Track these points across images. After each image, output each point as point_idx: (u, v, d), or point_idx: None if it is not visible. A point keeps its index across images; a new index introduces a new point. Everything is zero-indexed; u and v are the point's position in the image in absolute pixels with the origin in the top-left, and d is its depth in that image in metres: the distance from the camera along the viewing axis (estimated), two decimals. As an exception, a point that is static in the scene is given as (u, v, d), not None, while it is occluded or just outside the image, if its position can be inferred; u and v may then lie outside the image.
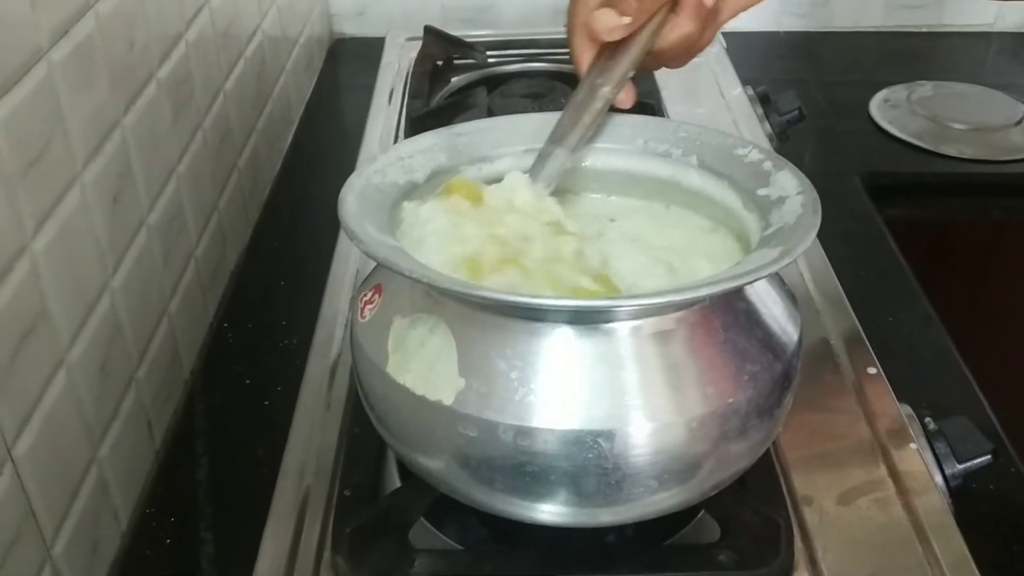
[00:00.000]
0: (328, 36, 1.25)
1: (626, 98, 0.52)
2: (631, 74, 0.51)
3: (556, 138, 0.50)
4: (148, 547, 0.61)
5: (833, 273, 0.67)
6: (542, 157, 0.50)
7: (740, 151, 0.48)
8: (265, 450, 0.66)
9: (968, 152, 0.97)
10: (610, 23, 0.49)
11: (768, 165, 0.47)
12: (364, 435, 0.54)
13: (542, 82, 0.85)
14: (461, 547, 0.49)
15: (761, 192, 0.46)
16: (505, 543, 0.50)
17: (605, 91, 0.50)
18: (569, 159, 0.50)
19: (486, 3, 1.22)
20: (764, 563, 0.46)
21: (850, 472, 0.53)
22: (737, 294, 0.43)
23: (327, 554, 0.48)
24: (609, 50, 0.51)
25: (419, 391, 0.41)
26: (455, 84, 0.90)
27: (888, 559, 0.49)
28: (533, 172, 0.50)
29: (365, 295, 0.46)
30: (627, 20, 0.49)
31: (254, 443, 0.67)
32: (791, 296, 0.47)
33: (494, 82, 0.88)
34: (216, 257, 0.80)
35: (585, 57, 0.51)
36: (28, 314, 0.50)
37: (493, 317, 0.41)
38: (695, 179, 0.50)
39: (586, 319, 0.40)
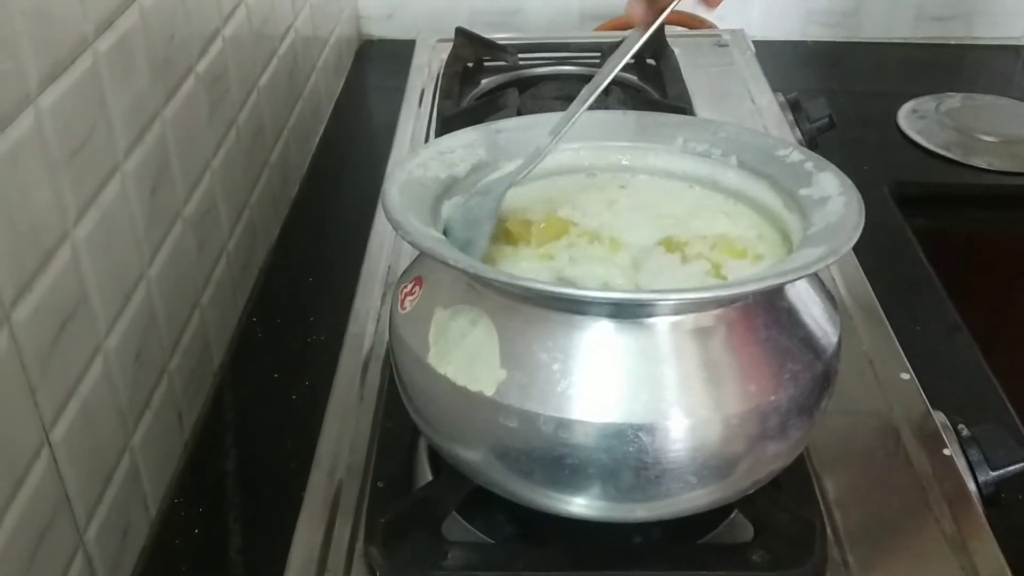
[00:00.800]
0: (357, 38, 1.26)
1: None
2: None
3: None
4: (177, 536, 0.61)
5: (866, 280, 0.67)
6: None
7: (781, 152, 0.48)
8: (292, 443, 0.66)
9: (996, 164, 0.97)
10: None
11: (810, 166, 0.47)
12: (397, 428, 0.54)
13: (573, 85, 0.85)
14: (492, 541, 0.49)
15: (803, 192, 0.46)
16: (536, 540, 0.50)
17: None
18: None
19: (514, 7, 1.22)
20: (798, 563, 0.46)
21: (883, 476, 0.52)
22: (779, 293, 0.43)
23: (360, 545, 0.48)
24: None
25: (460, 382, 0.41)
26: (485, 86, 0.91)
27: (921, 564, 0.48)
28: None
29: (405, 287, 0.47)
30: None
31: (282, 436, 0.67)
32: (831, 297, 0.47)
33: (524, 84, 0.89)
34: (246, 252, 0.81)
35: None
36: (69, 300, 0.51)
37: (535, 309, 0.41)
38: (734, 179, 0.50)
39: (628, 312, 0.40)
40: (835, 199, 0.44)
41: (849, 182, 0.45)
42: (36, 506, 0.48)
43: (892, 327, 0.63)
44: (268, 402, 0.71)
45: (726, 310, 0.40)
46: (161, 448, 0.63)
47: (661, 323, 0.40)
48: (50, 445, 0.49)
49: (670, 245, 0.46)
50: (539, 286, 0.38)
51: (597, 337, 0.40)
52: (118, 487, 0.57)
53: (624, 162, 0.54)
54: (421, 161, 0.49)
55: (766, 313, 0.41)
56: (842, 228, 0.41)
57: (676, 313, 0.40)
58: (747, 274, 0.41)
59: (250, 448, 0.68)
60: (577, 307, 0.40)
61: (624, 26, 1.11)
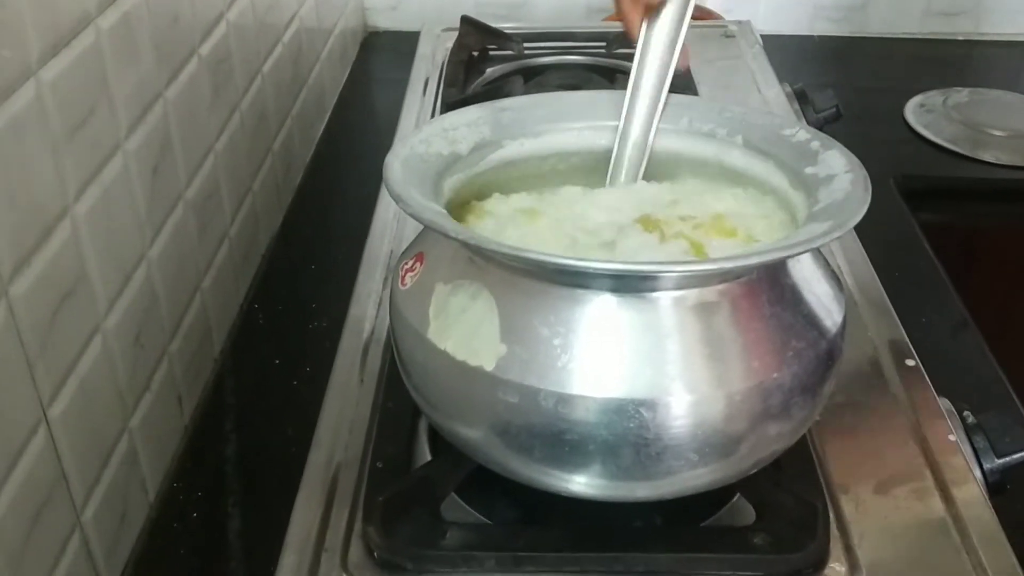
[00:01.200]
0: (362, 29, 1.26)
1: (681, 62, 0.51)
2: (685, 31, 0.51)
3: (641, 124, 0.51)
4: (175, 519, 0.61)
5: (871, 267, 0.66)
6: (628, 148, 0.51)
7: (787, 131, 0.48)
8: (293, 429, 0.66)
9: (1003, 158, 0.96)
10: None
11: (816, 144, 0.46)
12: (397, 409, 0.54)
13: (578, 74, 0.85)
14: (490, 522, 0.49)
15: (809, 171, 0.45)
16: (535, 522, 0.49)
17: (669, 60, 0.50)
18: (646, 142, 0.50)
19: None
20: (800, 547, 0.45)
21: (887, 462, 0.52)
22: (783, 270, 0.42)
23: (358, 524, 0.48)
24: (655, 10, 0.50)
25: (460, 356, 0.41)
26: (490, 74, 0.90)
27: (924, 549, 0.48)
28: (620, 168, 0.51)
29: (406, 263, 0.46)
30: None
31: (282, 422, 0.67)
32: (835, 278, 0.46)
33: (529, 73, 0.88)
34: (249, 238, 0.80)
35: (636, 22, 0.50)
36: (68, 276, 0.51)
37: (536, 283, 0.40)
38: (739, 158, 0.49)
39: (630, 287, 0.39)
40: (841, 176, 0.43)
41: (855, 160, 0.45)
42: (33, 483, 0.47)
43: (899, 319, 0.63)
44: (268, 388, 0.71)
45: (729, 285, 0.40)
46: (160, 431, 0.63)
47: (663, 298, 0.39)
48: (47, 422, 0.49)
49: (647, 223, 0.45)
50: (541, 257, 0.37)
51: (598, 311, 0.40)
52: (116, 468, 0.56)
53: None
54: (424, 137, 0.49)
55: (770, 289, 0.41)
56: (848, 204, 0.41)
57: (678, 288, 0.39)
58: (752, 247, 0.40)
59: (250, 433, 0.67)
60: (579, 280, 0.40)
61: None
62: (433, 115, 0.86)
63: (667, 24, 0.50)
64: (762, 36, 1.03)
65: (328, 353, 0.60)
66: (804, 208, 0.44)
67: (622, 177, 0.51)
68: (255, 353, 0.74)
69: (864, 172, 0.43)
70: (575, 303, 0.40)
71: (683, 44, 0.51)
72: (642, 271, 0.39)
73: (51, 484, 0.50)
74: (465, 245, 0.38)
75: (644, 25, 0.50)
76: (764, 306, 0.40)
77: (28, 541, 0.47)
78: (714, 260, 0.39)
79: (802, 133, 0.47)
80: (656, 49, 0.50)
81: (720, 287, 0.40)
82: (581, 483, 0.42)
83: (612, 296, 0.40)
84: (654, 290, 0.39)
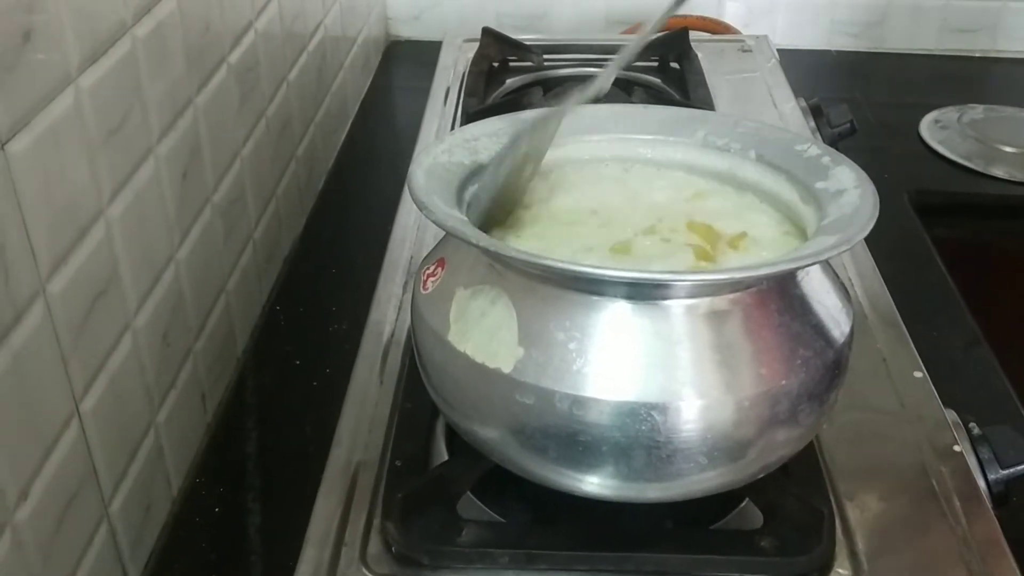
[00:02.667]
0: (384, 38, 1.28)
1: None
2: None
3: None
4: (197, 514, 0.63)
5: (881, 280, 0.68)
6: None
7: (799, 147, 0.49)
8: (312, 428, 0.67)
9: (1018, 175, 0.97)
10: None
11: (827, 160, 0.48)
12: (415, 409, 0.55)
13: (597, 86, 0.86)
14: (504, 521, 0.50)
15: (819, 185, 0.46)
16: (548, 521, 0.51)
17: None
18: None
19: (540, 11, 1.24)
20: (806, 551, 0.46)
21: (893, 471, 0.53)
22: (793, 280, 0.44)
23: (377, 520, 0.49)
24: None
25: (479, 359, 0.42)
26: (510, 85, 0.92)
27: (927, 557, 0.49)
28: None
29: (428, 268, 0.48)
30: None
31: (302, 421, 0.68)
32: (844, 289, 0.48)
33: (549, 85, 0.90)
34: (272, 241, 0.82)
35: None
36: (101, 276, 0.53)
37: (554, 289, 0.42)
38: (752, 172, 0.51)
39: (644, 294, 0.41)
40: (850, 192, 0.45)
41: (864, 175, 0.46)
42: (64, 474, 0.49)
43: (910, 333, 0.64)
44: (289, 388, 0.73)
45: (740, 295, 0.41)
46: (185, 427, 0.65)
47: (676, 306, 0.41)
48: (79, 416, 0.51)
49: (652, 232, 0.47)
50: (559, 264, 0.39)
51: (613, 317, 0.41)
52: (143, 463, 0.58)
53: (648, 155, 0.54)
54: (447, 147, 0.50)
55: (780, 299, 0.42)
56: (856, 218, 0.42)
57: (690, 296, 0.41)
58: (762, 259, 0.42)
59: (270, 431, 0.69)
60: (595, 287, 0.41)
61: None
62: (453, 125, 0.88)
63: None
64: (780, 50, 1.05)
65: (347, 355, 0.62)
66: (814, 222, 0.45)
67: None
68: (277, 353, 0.76)
69: (873, 187, 0.44)
70: (590, 309, 0.41)
71: None
72: (655, 279, 0.40)
73: (81, 476, 0.51)
74: (485, 252, 0.40)
75: None
76: (773, 315, 0.42)
77: (58, 531, 0.49)
78: (724, 271, 0.40)
79: (813, 149, 0.49)
80: None
81: (730, 296, 0.41)
82: (594, 483, 0.43)
83: (626, 303, 0.41)
84: (667, 298, 0.41)
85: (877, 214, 0.42)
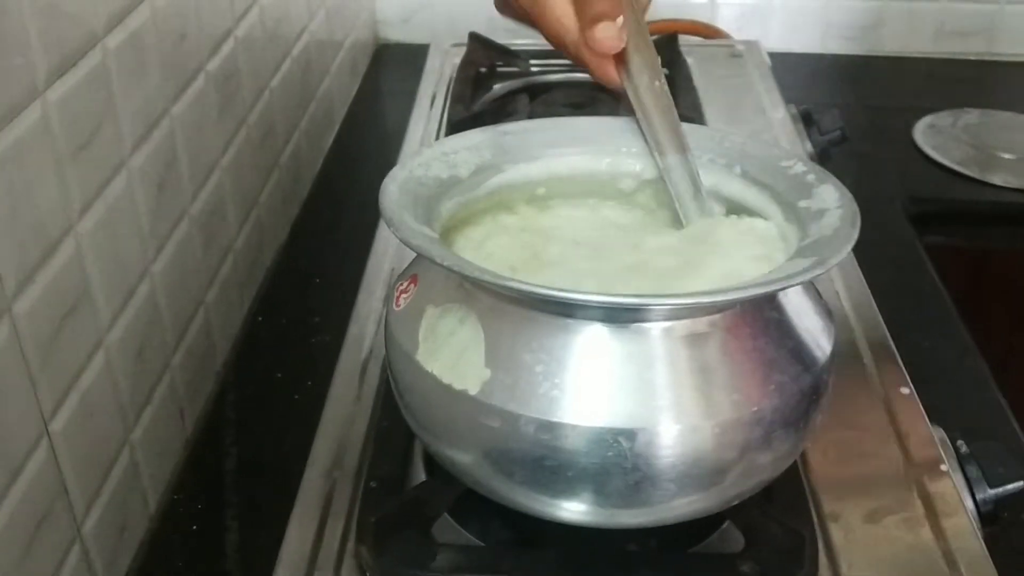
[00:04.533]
0: (373, 41, 1.27)
1: None
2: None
3: (674, 149, 0.50)
4: (174, 532, 0.62)
5: (869, 293, 0.67)
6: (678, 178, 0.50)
7: (784, 163, 0.48)
8: (293, 443, 0.66)
9: (1013, 181, 0.96)
10: (611, 34, 0.46)
11: (811, 178, 0.46)
12: (392, 428, 0.54)
13: (584, 92, 0.85)
14: (483, 544, 0.49)
15: (802, 204, 0.45)
16: (528, 544, 0.50)
17: (659, 86, 0.49)
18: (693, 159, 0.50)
19: (532, 15, 1.22)
20: (787, 575, 0.45)
21: (879, 491, 0.52)
22: (770, 303, 0.43)
23: (351, 544, 0.49)
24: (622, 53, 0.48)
25: (446, 379, 0.41)
26: (497, 91, 0.91)
27: (914, 580, 0.48)
28: (688, 201, 0.50)
29: (401, 284, 0.47)
30: (620, 20, 0.46)
31: (283, 436, 0.67)
32: (827, 310, 0.47)
33: (536, 90, 0.89)
34: (254, 251, 0.81)
35: (611, 72, 0.48)
36: (71, 293, 0.52)
37: (522, 310, 0.41)
38: (737, 188, 0.50)
39: (612, 317, 0.40)
40: (832, 212, 0.43)
41: (848, 195, 0.45)
42: (33, 496, 0.48)
43: (901, 343, 0.63)
44: (271, 401, 0.72)
45: (711, 318, 0.40)
46: (162, 444, 0.64)
47: (641, 329, 0.40)
48: (49, 436, 0.50)
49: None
50: (522, 286, 0.38)
51: (579, 340, 0.40)
52: (117, 481, 0.57)
53: (635, 168, 0.53)
54: (423, 160, 0.49)
55: (754, 323, 0.41)
56: (835, 240, 0.41)
57: (657, 320, 0.40)
58: (732, 283, 0.41)
59: (251, 446, 0.68)
60: (559, 309, 0.40)
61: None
62: (439, 131, 0.87)
63: (636, 54, 0.49)
64: (774, 54, 1.03)
65: (329, 367, 0.61)
66: (795, 242, 0.44)
67: (690, 211, 0.50)
68: (258, 366, 0.75)
69: (855, 208, 0.43)
70: (558, 331, 0.40)
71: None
72: (622, 303, 0.39)
73: (51, 497, 0.50)
74: (449, 271, 0.39)
75: (622, 71, 0.49)
76: (747, 339, 0.41)
77: (28, 553, 0.48)
78: (691, 295, 0.39)
79: (799, 166, 0.48)
80: (640, 78, 0.49)
81: (703, 319, 0.40)
82: (563, 508, 0.42)
83: (594, 325, 0.40)
84: (635, 320, 0.40)
85: (856, 236, 0.41)
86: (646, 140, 0.51)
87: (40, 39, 0.48)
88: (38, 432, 0.49)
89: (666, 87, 0.50)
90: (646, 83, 0.49)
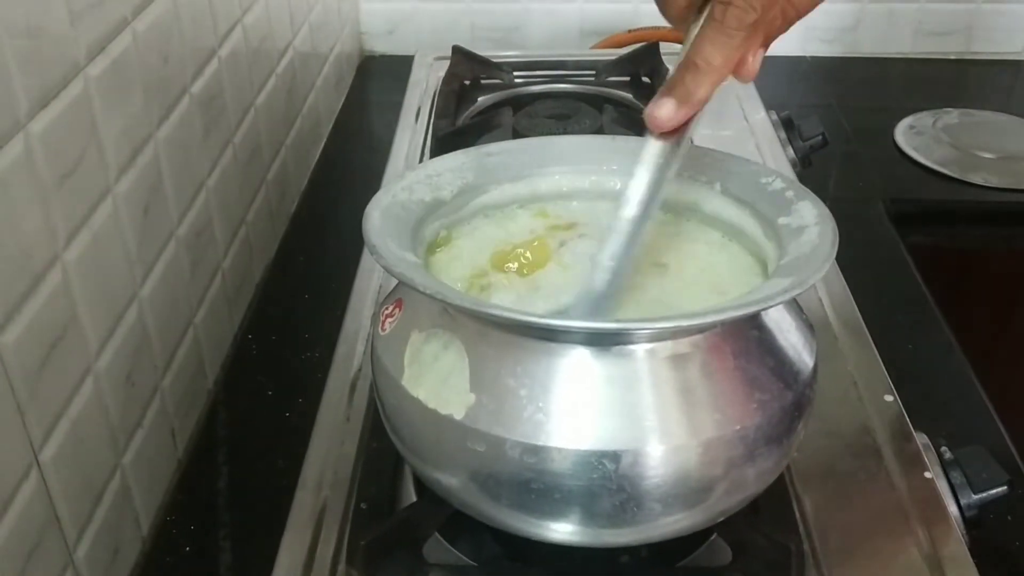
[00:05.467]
0: (358, 54, 1.27)
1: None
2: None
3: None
4: (168, 554, 0.62)
5: (852, 300, 0.67)
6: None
7: (764, 179, 0.49)
8: (285, 461, 0.67)
9: (994, 180, 0.97)
10: (666, 114, 0.45)
11: (790, 194, 0.47)
12: (382, 449, 0.55)
13: (567, 103, 0.86)
14: (475, 564, 0.50)
15: (782, 221, 0.46)
16: (518, 561, 0.50)
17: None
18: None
19: (514, 24, 1.23)
20: (774, 588, 0.46)
21: (864, 500, 0.53)
22: (750, 322, 0.43)
23: (342, 566, 0.49)
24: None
25: (431, 404, 0.42)
26: (481, 104, 0.91)
27: (900, 588, 0.49)
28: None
29: (386, 308, 0.47)
30: (683, 109, 0.45)
31: (275, 454, 0.68)
32: (808, 325, 0.47)
33: (520, 102, 0.89)
34: (242, 270, 0.81)
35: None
36: (58, 323, 0.52)
37: (505, 335, 0.41)
38: (717, 205, 0.50)
39: (595, 341, 0.40)
40: (811, 229, 0.44)
41: (826, 212, 0.45)
42: (24, 526, 0.49)
43: (885, 345, 0.63)
44: (262, 419, 0.72)
45: (693, 339, 0.41)
46: (153, 466, 0.64)
47: (624, 351, 0.40)
48: (39, 466, 0.50)
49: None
50: (503, 313, 0.38)
51: (563, 363, 0.41)
52: (109, 505, 0.58)
53: (617, 186, 0.54)
54: (407, 184, 0.50)
55: (735, 342, 0.42)
56: (813, 259, 0.41)
57: (638, 342, 0.40)
58: (709, 305, 0.41)
59: (243, 465, 0.68)
60: (541, 334, 0.41)
61: (620, 43, 1.12)
62: (425, 144, 0.87)
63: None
64: (754, 59, 1.04)
65: (320, 384, 0.61)
66: (775, 260, 0.44)
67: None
68: (249, 384, 0.75)
69: (833, 225, 0.44)
70: (541, 355, 0.41)
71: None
72: (602, 329, 0.40)
73: (43, 526, 0.51)
74: (432, 297, 0.40)
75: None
76: (729, 358, 0.41)
77: (20, 583, 0.48)
78: (665, 318, 0.40)
79: (778, 182, 0.48)
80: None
81: (684, 340, 0.41)
82: (551, 529, 0.43)
83: (577, 348, 0.41)
84: (616, 343, 0.40)
85: (834, 254, 0.42)
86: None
87: (21, 71, 0.48)
88: (27, 463, 0.49)
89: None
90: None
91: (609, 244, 0.44)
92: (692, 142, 0.48)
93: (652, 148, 0.46)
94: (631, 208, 0.44)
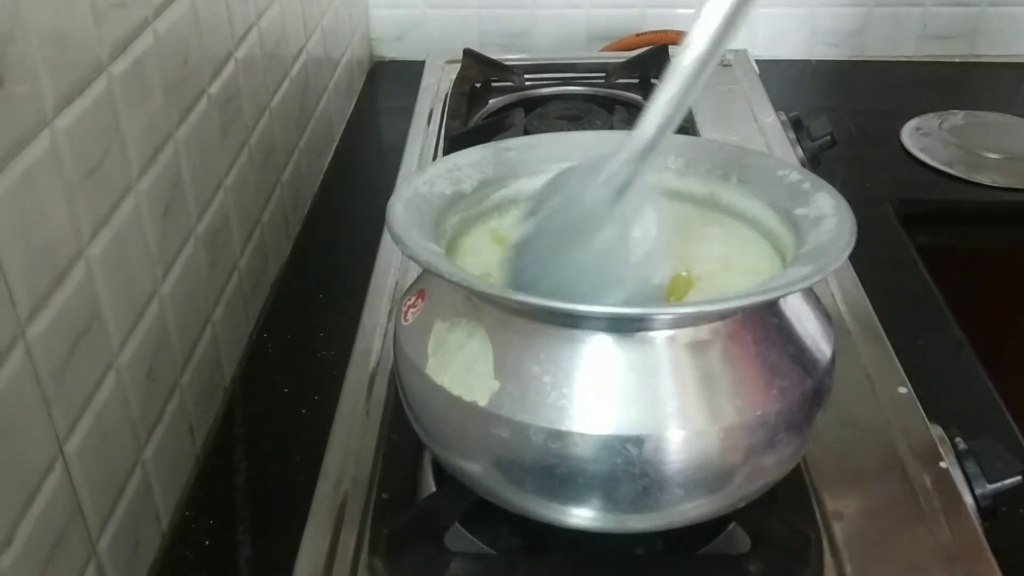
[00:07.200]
0: (368, 59, 1.28)
1: None
2: None
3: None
4: (187, 548, 0.62)
5: (864, 295, 0.68)
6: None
7: (781, 172, 0.49)
8: (302, 457, 0.67)
9: (1000, 180, 0.98)
10: None
11: (807, 186, 0.48)
12: (402, 441, 0.55)
13: (578, 104, 0.87)
14: (494, 552, 0.50)
15: (799, 212, 0.47)
16: (538, 551, 0.51)
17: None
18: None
19: (522, 29, 1.24)
20: (794, 575, 0.46)
21: (880, 489, 0.53)
22: (770, 309, 0.44)
23: (364, 555, 0.49)
24: None
25: (456, 392, 0.42)
26: (492, 106, 0.92)
27: (916, 575, 0.49)
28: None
29: (409, 299, 0.48)
30: None
31: (291, 450, 0.68)
32: (826, 315, 0.48)
33: (531, 104, 0.90)
34: (258, 269, 0.82)
35: None
36: (83, 317, 0.52)
37: (529, 322, 0.42)
38: (734, 197, 0.51)
39: (618, 327, 0.41)
40: (829, 219, 0.45)
41: (844, 202, 0.46)
42: (50, 517, 0.49)
43: (894, 343, 0.64)
44: (278, 416, 0.73)
45: (714, 326, 0.41)
46: (173, 461, 0.65)
47: (645, 338, 0.41)
48: (64, 458, 0.51)
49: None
50: (527, 299, 0.39)
51: (586, 349, 0.41)
52: (130, 499, 0.58)
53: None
54: (428, 178, 0.51)
55: (756, 329, 0.42)
56: (832, 247, 0.42)
57: (661, 328, 0.41)
58: (733, 291, 0.42)
59: (260, 461, 0.69)
60: (565, 320, 0.41)
61: (630, 47, 1.13)
62: (437, 147, 0.88)
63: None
64: (761, 62, 1.05)
65: (336, 381, 0.62)
66: (793, 249, 0.45)
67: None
68: (265, 382, 0.76)
69: (851, 215, 0.44)
70: (565, 341, 0.41)
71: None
72: (626, 314, 0.40)
73: (67, 517, 0.51)
74: (458, 286, 0.40)
75: None
76: (749, 345, 0.42)
77: (45, 572, 0.49)
78: (688, 304, 0.41)
79: (794, 174, 0.49)
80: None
81: (706, 327, 0.41)
82: (573, 515, 0.43)
83: (600, 335, 0.41)
84: (637, 330, 0.41)
85: (853, 242, 0.42)
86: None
87: (47, 69, 0.49)
88: (53, 454, 0.50)
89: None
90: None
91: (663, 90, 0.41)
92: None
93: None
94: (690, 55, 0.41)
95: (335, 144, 1.09)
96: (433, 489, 0.53)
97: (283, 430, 0.71)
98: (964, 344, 0.77)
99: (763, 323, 0.43)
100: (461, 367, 0.43)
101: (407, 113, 0.95)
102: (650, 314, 0.41)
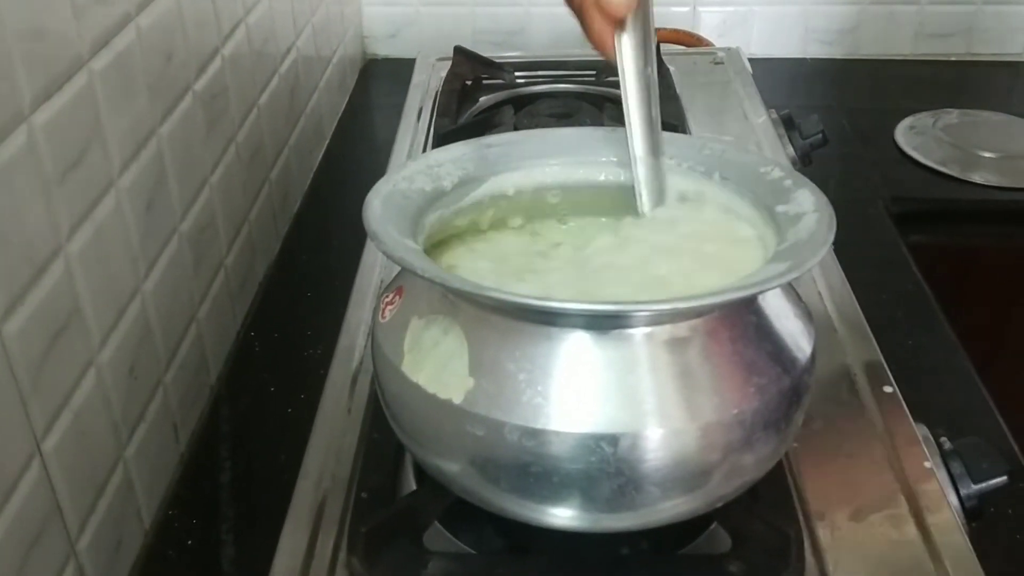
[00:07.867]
0: (361, 56, 1.28)
1: None
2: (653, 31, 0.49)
3: (650, 149, 0.50)
4: (170, 547, 0.62)
5: (851, 292, 0.67)
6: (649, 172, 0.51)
7: (763, 169, 0.49)
8: (287, 456, 0.67)
9: (993, 180, 0.97)
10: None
11: (788, 183, 0.47)
12: (383, 440, 0.55)
13: (568, 102, 0.86)
14: (475, 552, 0.50)
15: (780, 209, 0.46)
16: (519, 551, 0.50)
17: (651, 73, 0.49)
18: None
19: (516, 27, 1.24)
20: (774, 574, 0.46)
21: (864, 489, 0.53)
22: (748, 306, 0.43)
23: (343, 554, 0.49)
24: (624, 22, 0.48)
25: (431, 389, 0.42)
26: (483, 103, 0.92)
27: (899, 576, 0.49)
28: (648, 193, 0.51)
29: (387, 296, 0.48)
30: None
31: (276, 449, 0.68)
32: (807, 313, 0.47)
33: (521, 102, 0.90)
34: (245, 267, 0.82)
35: (608, 42, 0.48)
36: (61, 313, 0.52)
37: (504, 320, 0.42)
38: (717, 195, 0.51)
39: (594, 324, 0.41)
40: (809, 216, 0.44)
41: (824, 199, 0.46)
42: (26, 516, 0.49)
43: (886, 342, 0.63)
44: (264, 415, 0.72)
45: (691, 323, 0.41)
46: (156, 460, 0.64)
47: (622, 335, 0.41)
48: (41, 455, 0.50)
49: None
50: (503, 296, 0.39)
51: (561, 347, 0.41)
52: (111, 498, 0.58)
53: (621, 178, 0.54)
54: (407, 174, 0.50)
55: (733, 327, 0.42)
56: (810, 245, 0.42)
57: (638, 326, 0.41)
58: (706, 287, 0.41)
59: (245, 460, 0.68)
60: (541, 317, 0.41)
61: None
62: (427, 143, 0.87)
63: (635, 32, 0.48)
64: (755, 60, 1.05)
65: (322, 380, 0.62)
66: (773, 246, 0.45)
67: (645, 200, 0.51)
68: (251, 380, 0.75)
69: (831, 212, 0.44)
70: (540, 339, 0.41)
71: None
72: (599, 311, 0.40)
73: (45, 516, 0.51)
74: (432, 282, 0.40)
75: (617, 40, 0.48)
76: (726, 342, 0.42)
77: (22, 572, 0.48)
78: (662, 301, 0.40)
79: (776, 171, 0.49)
80: (631, 56, 0.49)
81: (683, 324, 0.41)
82: (550, 514, 0.43)
83: (575, 332, 0.41)
84: (614, 327, 0.41)
85: (831, 240, 0.42)
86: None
87: (24, 63, 0.48)
88: (30, 452, 0.49)
89: (655, 77, 0.50)
90: (638, 67, 0.49)
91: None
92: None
93: (627, 50, 0.48)
94: (631, 99, 0.49)
95: (326, 142, 1.09)
96: (414, 488, 0.53)
97: (269, 429, 0.71)
98: (955, 343, 0.77)
99: (741, 320, 0.42)
100: (436, 364, 0.42)
101: (399, 111, 0.95)
102: (626, 311, 0.40)
